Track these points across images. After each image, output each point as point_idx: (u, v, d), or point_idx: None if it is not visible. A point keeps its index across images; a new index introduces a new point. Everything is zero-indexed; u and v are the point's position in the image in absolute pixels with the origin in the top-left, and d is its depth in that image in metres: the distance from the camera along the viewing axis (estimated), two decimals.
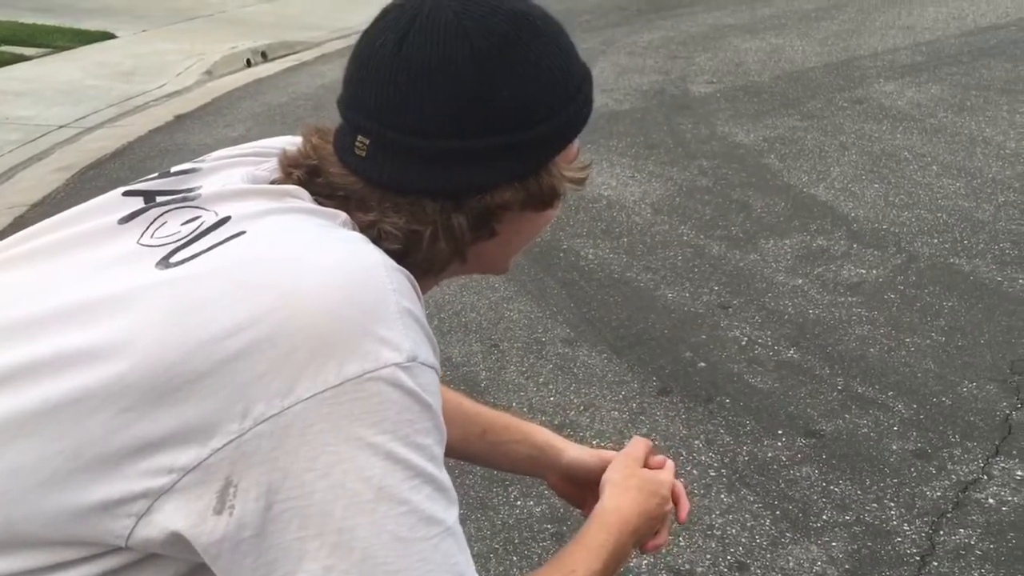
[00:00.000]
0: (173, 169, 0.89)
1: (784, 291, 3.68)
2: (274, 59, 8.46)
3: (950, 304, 3.51)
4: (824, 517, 2.47)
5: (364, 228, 0.81)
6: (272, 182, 0.85)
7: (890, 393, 2.98)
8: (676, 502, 1.06)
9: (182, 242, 0.75)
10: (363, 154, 0.81)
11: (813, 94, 6.35)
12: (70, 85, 7.19)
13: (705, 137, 5.53)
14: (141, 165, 5.26)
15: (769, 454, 2.72)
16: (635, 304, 3.63)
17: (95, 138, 5.97)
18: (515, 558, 2.34)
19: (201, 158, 0.91)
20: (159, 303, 0.70)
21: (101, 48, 8.70)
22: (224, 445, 0.67)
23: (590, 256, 4.03)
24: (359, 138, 0.82)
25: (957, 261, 3.85)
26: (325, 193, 0.83)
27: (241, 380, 0.67)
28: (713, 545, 2.37)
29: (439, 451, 0.73)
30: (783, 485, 2.59)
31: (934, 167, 4.88)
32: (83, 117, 6.38)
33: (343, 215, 0.80)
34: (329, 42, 9.09)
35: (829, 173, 4.90)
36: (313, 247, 0.74)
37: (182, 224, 0.78)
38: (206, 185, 0.84)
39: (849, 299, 3.60)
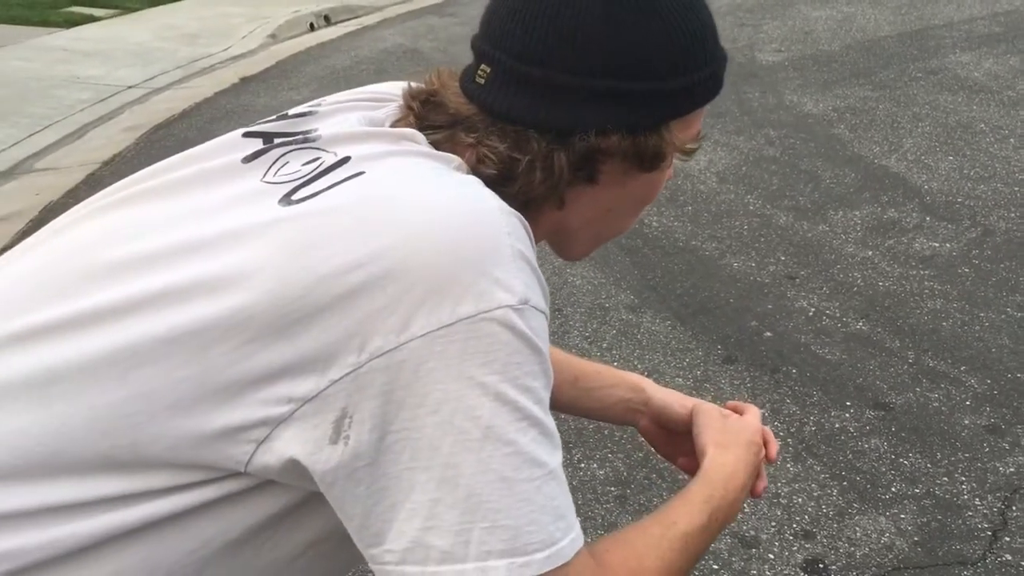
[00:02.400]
0: (291, 112, 0.90)
1: (853, 263, 3.61)
2: (337, 23, 8.49)
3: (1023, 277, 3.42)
4: (893, 489, 2.43)
5: (464, 149, 0.81)
6: (391, 125, 0.85)
7: (963, 368, 2.92)
8: (766, 444, 1.05)
9: (304, 180, 0.76)
10: (483, 81, 0.82)
11: (885, 64, 6.20)
12: (139, 46, 7.29)
13: (773, 106, 5.43)
14: (208, 126, 5.32)
15: (836, 425, 2.68)
16: (700, 272, 3.59)
17: (163, 99, 6.06)
18: (579, 519, 2.35)
19: (317, 101, 0.91)
20: (282, 238, 0.71)
21: (168, 10, 8.81)
22: (341, 377, 0.68)
23: (654, 224, 3.99)
24: (481, 66, 0.83)
25: None
26: (438, 122, 0.83)
27: (359, 314, 0.68)
28: (779, 513, 2.35)
29: (546, 395, 0.73)
30: (851, 456, 2.55)
31: (1011, 140, 4.74)
32: (151, 78, 6.48)
33: (457, 159, 0.81)
34: (391, 7, 9.09)
35: (901, 144, 4.78)
36: (430, 189, 0.74)
37: (303, 164, 0.79)
38: (324, 127, 0.84)
39: (921, 272, 3.52)
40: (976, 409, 2.72)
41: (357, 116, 0.86)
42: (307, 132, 0.84)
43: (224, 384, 0.69)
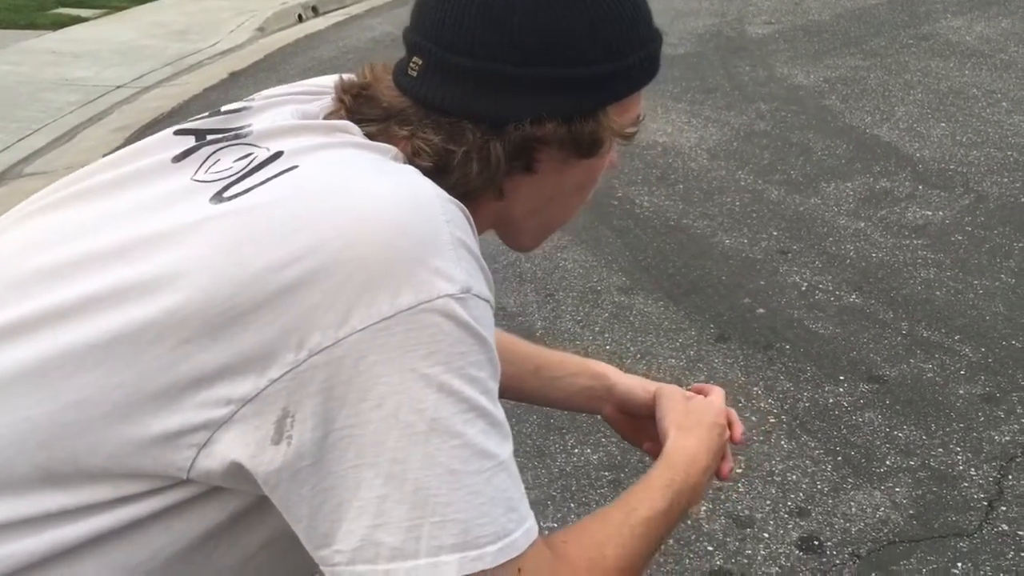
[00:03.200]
0: (223, 108, 0.89)
1: (846, 235, 3.59)
2: (325, 13, 8.44)
3: (1021, 245, 3.40)
4: (888, 463, 2.42)
5: (399, 142, 0.80)
6: (324, 118, 0.84)
7: (957, 337, 2.91)
8: (730, 426, 1.04)
9: (235, 177, 0.75)
10: (415, 74, 0.81)
11: (876, 32, 6.15)
12: (126, 45, 7.26)
13: (763, 80, 5.40)
14: None
15: (831, 400, 2.67)
16: (692, 251, 3.57)
17: (152, 97, 6.04)
18: (572, 504, 2.34)
19: (251, 97, 0.90)
20: (214, 236, 0.70)
21: (155, 7, 8.77)
22: (281, 376, 0.66)
23: (645, 203, 3.97)
24: (413, 59, 0.82)
25: None
26: (371, 115, 0.82)
27: (296, 311, 0.66)
28: (773, 491, 2.35)
29: (493, 385, 0.72)
30: (845, 431, 2.54)
31: (1004, 104, 4.71)
32: (140, 77, 6.46)
33: (394, 149, 0.80)
34: None
35: (893, 113, 4.75)
36: (365, 179, 0.73)
37: (235, 160, 0.77)
38: (257, 122, 0.83)
39: (914, 242, 3.50)
40: (971, 378, 2.71)
41: (290, 109, 0.85)
42: (239, 128, 0.83)
43: (161, 388, 0.68)
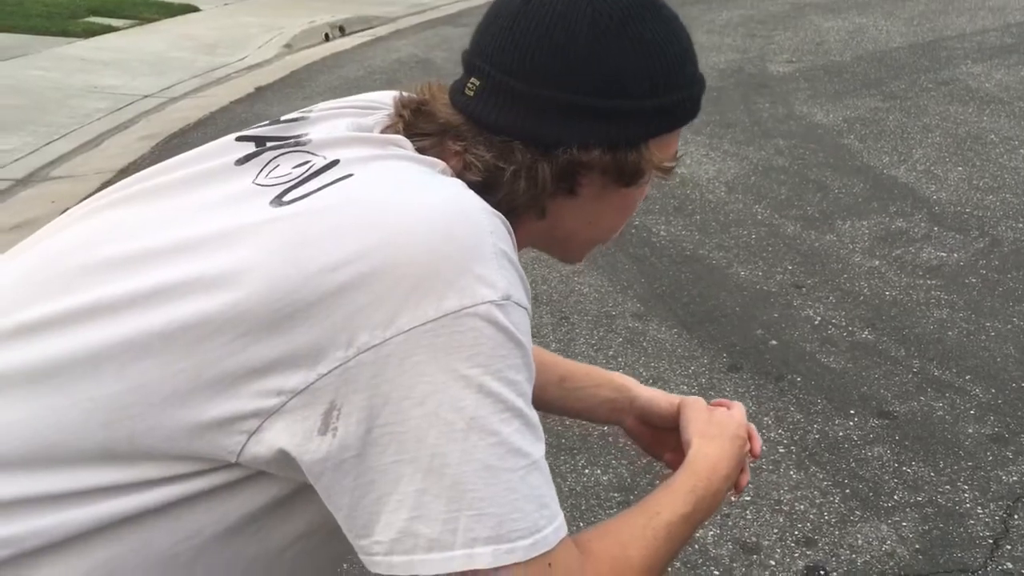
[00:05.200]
0: (283, 117, 0.94)
1: (860, 272, 3.62)
2: (351, 33, 8.56)
3: None
4: (895, 497, 2.44)
5: (451, 157, 0.85)
6: (380, 131, 0.89)
7: (967, 377, 2.93)
8: (750, 439, 1.08)
9: (294, 182, 0.80)
10: (472, 93, 0.86)
11: (896, 75, 6.21)
12: (156, 56, 7.37)
13: (783, 116, 5.45)
14: (223, 134, 5.37)
15: (840, 433, 2.69)
16: (707, 281, 3.61)
17: (179, 108, 6.13)
18: (581, 524, 2.37)
19: (308, 108, 0.95)
20: (274, 237, 0.74)
21: (185, 20, 8.90)
22: (330, 371, 0.71)
23: (662, 233, 4.02)
24: (471, 79, 0.87)
25: None
26: (427, 130, 0.87)
27: (347, 310, 0.71)
28: (781, 520, 2.37)
29: (528, 388, 0.76)
30: (854, 464, 2.56)
31: (1022, 151, 4.75)
32: (168, 87, 6.55)
33: (442, 164, 0.84)
34: (404, 17, 9.16)
35: (911, 155, 4.79)
36: (415, 190, 0.78)
37: (294, 167, 0.82)
38: (315, 132, 0.88)
39: (928, 282, 3.53)
40: (980, 418, 2.73)
41: (347, 122, 0.90)
42: (298, 136, 0.88)
43: (218, 376, 0.72)
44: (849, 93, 5.83)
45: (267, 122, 0.94)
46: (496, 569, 0.71)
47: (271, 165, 0.84)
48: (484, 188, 0.83)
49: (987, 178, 4.44)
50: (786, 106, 5.63)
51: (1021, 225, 3.94)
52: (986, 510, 2.38)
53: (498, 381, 0.72)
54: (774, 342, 3.17)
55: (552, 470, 2.53)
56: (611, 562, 0.82)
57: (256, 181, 0.82)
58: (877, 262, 3.70)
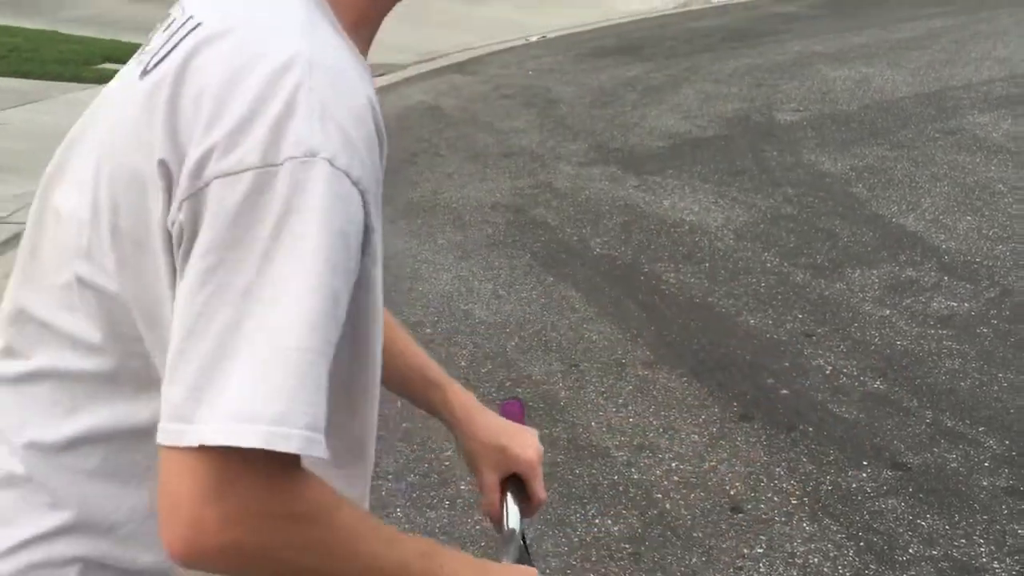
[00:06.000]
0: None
1: (871, 321, 3.61)
2: None
3: None
4: (911, 551, 2.40)
5: None
6: None
7: (981, 428, 2.90)
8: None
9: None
10: None
11: (904, 124, 6.24)
12: None
13: (790, 165, 5.47)
14: None
15: (853, 485, 2.66)
16: (716, 329, 3.60)
17: None
18: (592, 575, 2.34)
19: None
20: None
21: None
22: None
23: (671, 280, 4.01)
24: None
25: None
26: None
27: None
28: (795, 573, 2.33)
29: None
30: (868, 516, 2.53)
31: None
32: None
33: None
34: (414, 65, 9.26)
35: (920, 204, 4.80)
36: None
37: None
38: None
39: (939, 332, 3.51)
40: (994, 470, 2.70)
41: None
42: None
43: None
44: (856, 142, 5.85)
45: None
46: None
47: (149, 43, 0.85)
48: None
49: (996, 228, 4.44)
50: (794, 154, 5.65)
51: None
52: (1002, 564, 2.34)
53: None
54: (785, 391, 3.15)
55: (562, 519, 2.52)
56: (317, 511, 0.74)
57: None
58: (888, 311, 3.69)
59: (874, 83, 7.41)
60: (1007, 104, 6.53)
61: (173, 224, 0.73)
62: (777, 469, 2.73)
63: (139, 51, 0.88)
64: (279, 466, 0.70)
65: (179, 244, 0.73)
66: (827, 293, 3.86)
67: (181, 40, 0.78)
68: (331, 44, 0.78)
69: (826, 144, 5.82)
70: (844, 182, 5.15)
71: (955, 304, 3.73)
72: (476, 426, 1.10)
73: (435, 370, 1.12)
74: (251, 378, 0.68)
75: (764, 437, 2.89)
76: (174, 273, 0.74)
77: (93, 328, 0.80)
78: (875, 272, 4.03)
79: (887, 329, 3.55)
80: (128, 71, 0.87)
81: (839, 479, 2.68)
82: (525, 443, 1.09)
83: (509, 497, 1.08)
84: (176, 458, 0.69)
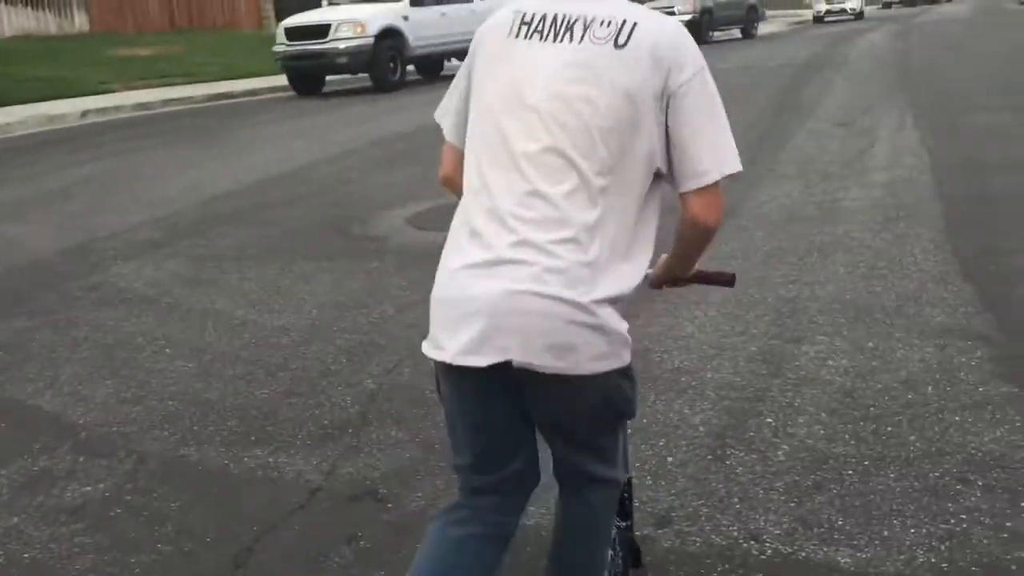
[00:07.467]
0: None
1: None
2: None
3: (177, 504, 3.35)
4: None
5: None
6: None
7: None
8: None
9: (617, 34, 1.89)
10: None
11: (47, 286, 5.95)
12: None
13: None
14: None
15: None
16: None
17: None
18: None
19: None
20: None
21: None
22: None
23: None
24: None
25: (187, 451, 3.74)
26: None
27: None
28: None
29: None
30: None
31: (168, 350, 4.80)
32: None
33: None
34: None
35: (58, 378, 4.51)
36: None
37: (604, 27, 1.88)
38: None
39: (72, 527, 3.22)
40: None
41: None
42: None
43: None
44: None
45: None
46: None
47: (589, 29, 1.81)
48: None
49: (135, 387, 4.36)
50: None
51: (166, 434, 3.90)
52: None
53: None
54: None
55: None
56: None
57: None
58: (16, 519, 3.29)
59: (25, 243, 7.02)
60: (150, 249, 6.69)
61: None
62: None
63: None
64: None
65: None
66: None
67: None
68: None
69: None
70: None
71: (89, 488, 3.48)
72: None
73: None
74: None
75: None
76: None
77: None
78: (3, 472, 3.61)
79: (15, 543, 3.14)
80: None
81: None
82: None
83: None
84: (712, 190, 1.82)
